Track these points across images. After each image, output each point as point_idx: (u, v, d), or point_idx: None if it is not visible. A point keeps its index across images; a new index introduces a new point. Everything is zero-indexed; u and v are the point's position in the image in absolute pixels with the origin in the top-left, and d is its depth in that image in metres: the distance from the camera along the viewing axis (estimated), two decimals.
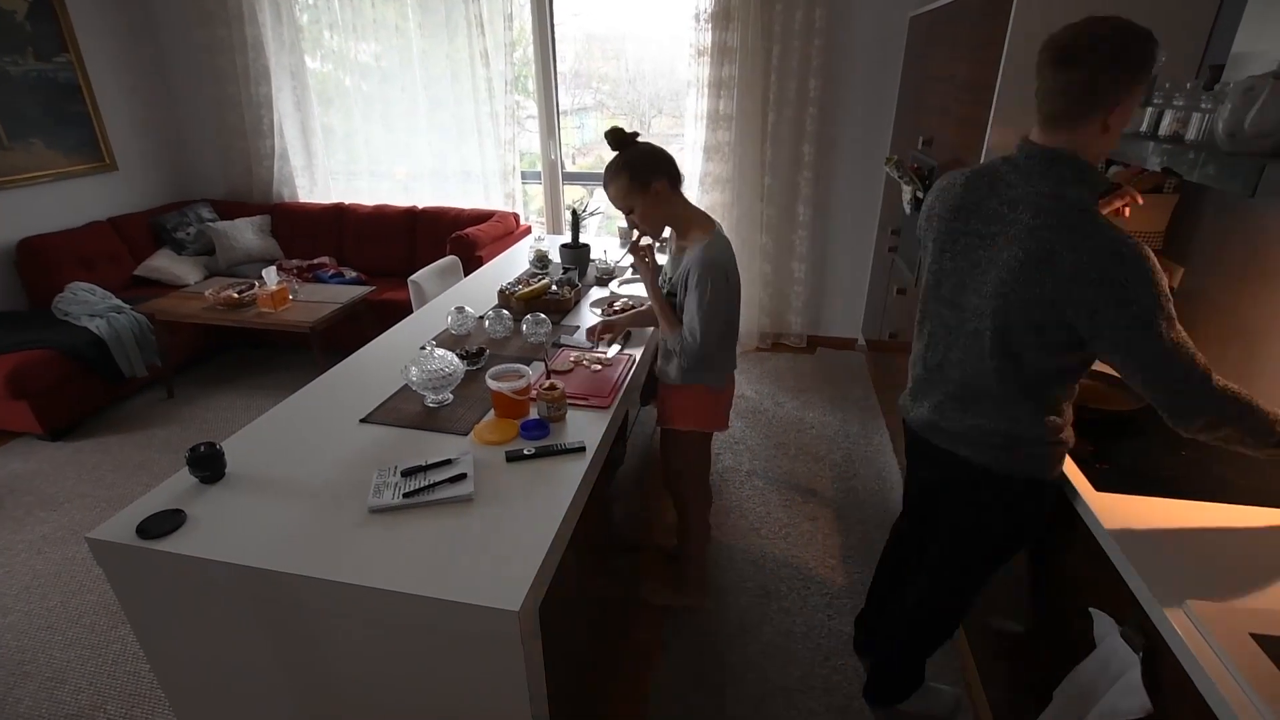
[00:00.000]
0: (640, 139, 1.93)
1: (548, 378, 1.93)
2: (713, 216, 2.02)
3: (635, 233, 2.01)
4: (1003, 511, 1.58)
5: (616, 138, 1.90)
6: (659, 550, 2.80)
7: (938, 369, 1.59)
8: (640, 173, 1.87)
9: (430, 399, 1.90)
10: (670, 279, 2.10)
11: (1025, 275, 1.31)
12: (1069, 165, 1.31)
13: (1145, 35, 1.24)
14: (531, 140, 4.78)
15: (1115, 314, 1.23)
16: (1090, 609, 1.37)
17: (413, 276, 3.20)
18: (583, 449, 1.67)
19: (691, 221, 1.98)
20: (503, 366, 1.84)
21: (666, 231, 2.06)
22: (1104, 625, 1.32)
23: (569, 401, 1.88)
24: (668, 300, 2.08)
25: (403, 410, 1.88)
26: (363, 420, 1.83)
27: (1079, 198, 1.30)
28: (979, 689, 2.09)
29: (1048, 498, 1.55)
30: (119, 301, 4.04)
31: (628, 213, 1.94)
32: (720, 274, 1.89)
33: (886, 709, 2.06)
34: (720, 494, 3.13)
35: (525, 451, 1.65)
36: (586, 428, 1.79)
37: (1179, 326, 1.24)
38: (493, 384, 1.76)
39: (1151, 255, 1.22)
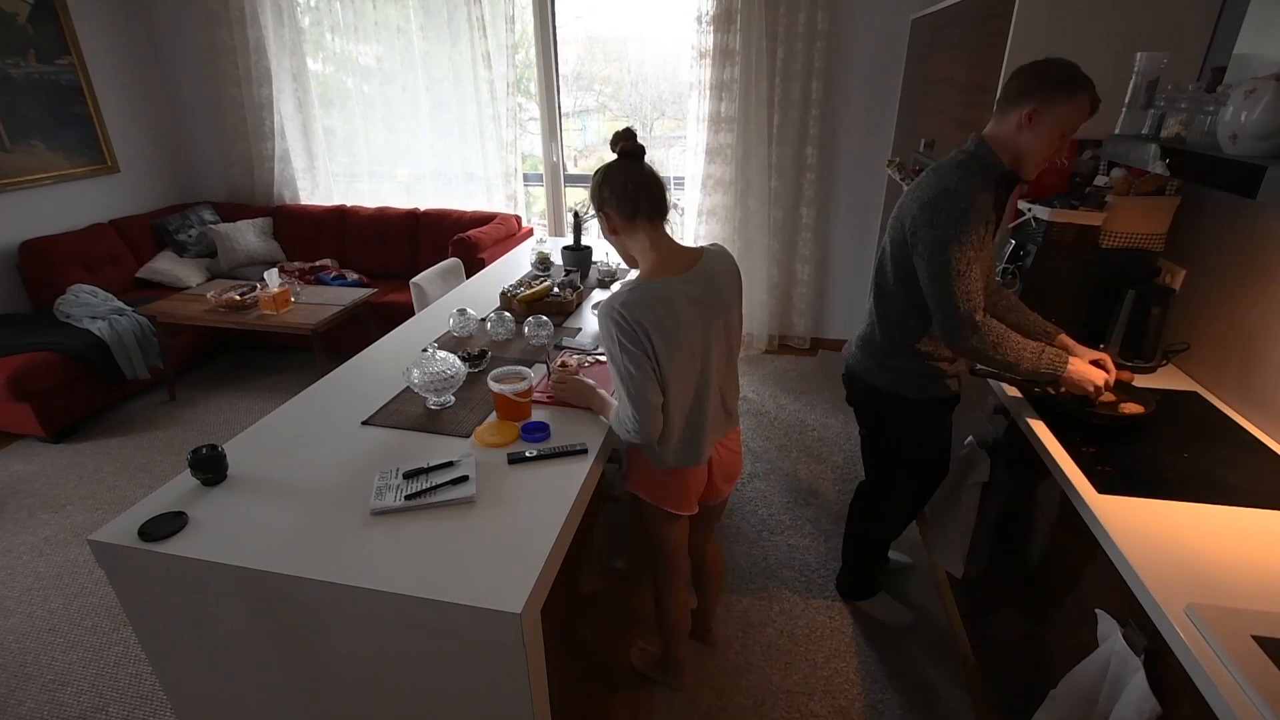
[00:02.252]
0: (632, 154, 1.63)
1: (549, 378, 1.92)
2: (689, 255, 1.65)
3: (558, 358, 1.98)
4: (881, 420, 2.12)
5: (615, 139, 1.64)
6: (634, 669, 2.31)
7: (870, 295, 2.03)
8: (593, 191, 1.65)
9: (432, 401, 1.91)
10: None
11: (900, 203, 1.81)
12: (975, 141, 1.73)
13: (1067, 70, 1.60)
14: (533, 142, 4.78)
15: (925, 234, 1.68)
16: (1096, 610, 1.37)
17: (414, 279, 3.20)
18: (585, 450, 1.67)
19: (647, 263, 1.63)
20: (504, 369, 1.83)
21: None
22: (1107, 625, 1.32)
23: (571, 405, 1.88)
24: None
25: (404, 412, 1.88)
26: (364, 422, 1.83)
27: (961, 161, 1.72)
28: (980, 691, 2.09)
29: (919, 414, 2.01)
30: (121, 303, 4.05)
31: None
32: (606, 327, 1.55)
33: (849, 603, 2.55)
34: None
35: (527, 454, 1.65)
36: (588, 429, 1.79)
37: (975, 268, 1.65)
38: (494, 386, 1.76)
39: (972, 202, 1.63)
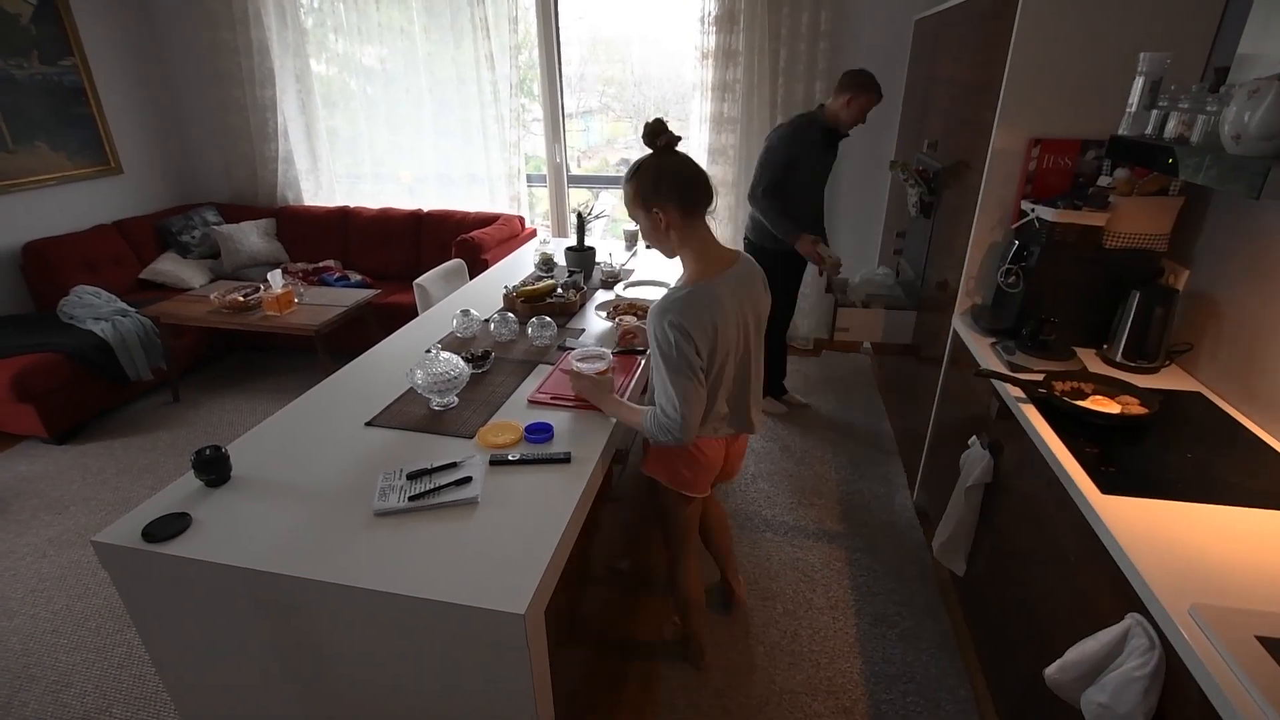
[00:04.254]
0: (671, 146, 1.64)
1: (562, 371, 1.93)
2: (728, 254, 1.71)
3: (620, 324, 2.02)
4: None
5: (651, 133, 1.62)
6: (663, 637, 2.43)
7: None
8: (644, 190, 1.62)
9: (435, 402, 1.91)
10: None
11: None
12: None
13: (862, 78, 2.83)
14: (537, 143, 4.79)
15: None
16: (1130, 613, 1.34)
17: (418, 280, 3.21)
18: (568, 459, 1.66)
19: (695, 262, 1.67)
20: (585, 349, 1.89)
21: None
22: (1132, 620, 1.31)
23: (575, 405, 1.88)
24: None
25: (408, 413, 1.88)
26: (368, 423, 1.83)
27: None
28: (984, 690, 2.09)
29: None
30: (124, 305, 4.06)
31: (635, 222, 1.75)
32: (664, 333, 1.57)
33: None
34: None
35: (510, 457, 1.65)
36: (589, 433, 1.79)
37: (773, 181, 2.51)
38: (580, 366, 1.80)
39: (783, 135, 3.09)
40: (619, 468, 1.93)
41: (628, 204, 1.69)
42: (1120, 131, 1.96)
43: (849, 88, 3.06)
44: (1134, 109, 1.91)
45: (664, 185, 1.60)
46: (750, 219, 3.48)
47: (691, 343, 1.57)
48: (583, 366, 1.78)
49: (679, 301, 1.58)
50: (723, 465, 1.95)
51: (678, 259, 1.72)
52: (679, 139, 1.65)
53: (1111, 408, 1.77)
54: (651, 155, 1.64)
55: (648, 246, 1.94)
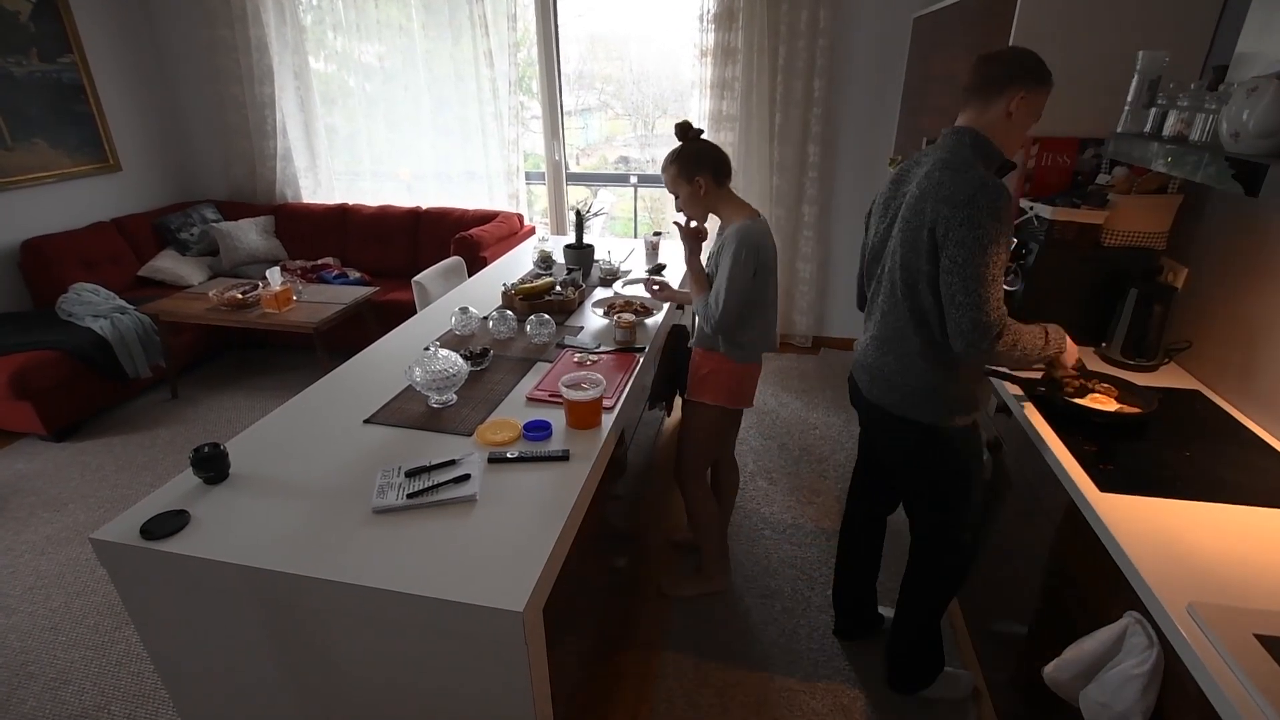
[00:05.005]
0: (702, 135, 2.15)
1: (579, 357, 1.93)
2: (751, 209, 2.16)
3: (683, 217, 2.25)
4: (906, 452, 1.86)
5: (682, 131, 2.12)
6: (673, 544, 2.87)
7: (869, 315, 1.90)
8: (686, 167, 2.09)
9: (434, 400, 1.91)
10: (712, 255, 2.25)
11: (915, 205, 1.62)
12: (968, 134, 1.63)
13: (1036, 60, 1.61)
14: (535, 141, 4.78)
15: (961, 234, 1.50)
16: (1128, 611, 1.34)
17: (416, 277, 3.21)
18: (566, 457, 1.66)
19: (733, 210, 2.15)
20: (572, 376, 1.83)
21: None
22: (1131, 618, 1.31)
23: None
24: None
25: (406, 411, 1.88)
26: (366, 421, 1.83)
27: (968, 156, 1.59)
28: (983, 688, 2.09)
29: (952, 444, 1.77)
30: (123, 302, 4.06)
31: (675, 196, 2.18)
32: (747, 248, 2.03)
33: (913, 696, 2.16)
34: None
35: (508, 454, 1.65)
36: (587, 432, 1.78)
37: (999, 272, 1.52)
38: (570, 394, 1.76)
39: (1008, 202, 1.51)
40: (622, 448, 1.94)
41: (670, 182, 2.14)
42: (1119, 129, 1.96)
43: (1020, 78, 1.59)
44: (1131, 106, 1.91)
45: (704, 160, 2.10)
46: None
47: (752, 257, 2.04)
48: (572, 394, 1.77)
49: (753, 229, 2.06)
50: None
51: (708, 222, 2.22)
52: (702, 130, 2.15)
53: (1109, 405, 1.78)
54: (685, 143, 2.12)
55: (684, 215, 2.22)
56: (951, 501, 1.84)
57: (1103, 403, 1.79)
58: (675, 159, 2.12)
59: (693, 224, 2.22)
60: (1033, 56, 1.60)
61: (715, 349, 2.21)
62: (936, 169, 1.60)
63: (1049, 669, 1.39)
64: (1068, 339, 1.69)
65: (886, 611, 2.36)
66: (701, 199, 2.13)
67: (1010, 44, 2.15)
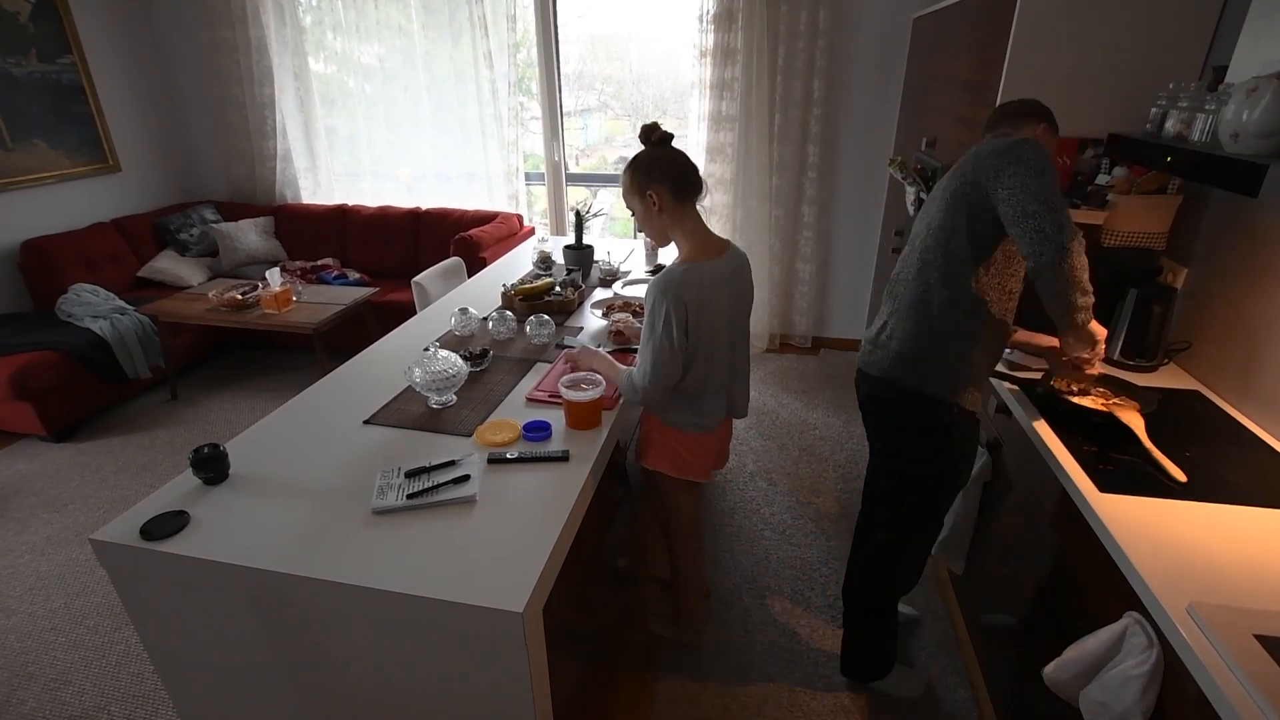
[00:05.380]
0: (665, 141, 1.78)
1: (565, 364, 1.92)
2: (720, 241, 1.81)
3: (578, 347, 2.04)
4: (902, 430, 1.81)
5: (645, 134, 1.78)
6: (655, 580, 2.63)
7: (888, 298, 1.84)
8: (638, 177, 1.74)
9: (434, 400, 1.91)
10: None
11: (953, 173, 1.63)
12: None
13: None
14: (535, 141, 4.78)
15: (1015, 168, 1.47)
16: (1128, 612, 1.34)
17: (416, 278, 3.21)
18: (566, 457, 1.66)
19: (687, 240, 1.77)
20: (572, 376, 1.83)
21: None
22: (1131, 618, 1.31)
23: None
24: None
25: (406, 411, 1.88)
26: (366, 422, 1.83)
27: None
28: (983, 687, 2.09)
29: (950, 432, 1.74)
30: (122, 303, 4.05)
31: (632, 213, 1.83)
32: (667, 300, 1.68)
33: (864, 686, 2.20)
34: (724, 495, 3.13)
35: (508, 455, 1.65)
36: (586, 433, 1.79)
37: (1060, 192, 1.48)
38: (570, 395, 1.75)
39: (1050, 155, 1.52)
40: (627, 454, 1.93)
41: (625, 193, 1.81)
42: (1118, 130, 1.96)
43: (1041, 114, 1.75)
44: (1132, 106, 1.91)
45: (657, 170, 1.73)
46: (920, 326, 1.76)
47: (675, 311, 1.68)
48: (571, 395, 1.77)
49: (672, 274, 1.71)
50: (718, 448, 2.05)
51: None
52: (672, 136, 1.78)
53: (1099, 405, 1.77)
54: (647, 148, 1.78)
55: (638, 234, 2.01)
56: (922, 492, 1.85)
57: (1101, 402, 1.79)
58: (630, 164, 1.77)
59: (572, 354, 1.98)
60: (1045, 106, 1.71)
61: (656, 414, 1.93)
62: (979, 147, 1.61)
63: (1049, 669, 1.39)
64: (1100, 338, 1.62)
65: (905, 609, 2.40)
66: (656, 217, 1.75)
67: (1010, 44, 2.15)
